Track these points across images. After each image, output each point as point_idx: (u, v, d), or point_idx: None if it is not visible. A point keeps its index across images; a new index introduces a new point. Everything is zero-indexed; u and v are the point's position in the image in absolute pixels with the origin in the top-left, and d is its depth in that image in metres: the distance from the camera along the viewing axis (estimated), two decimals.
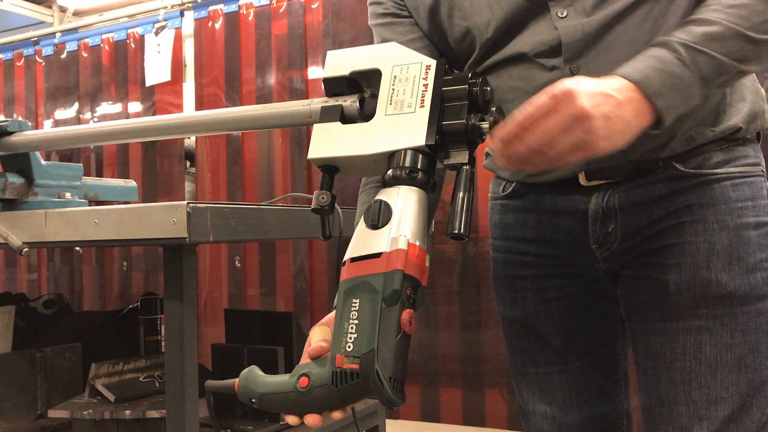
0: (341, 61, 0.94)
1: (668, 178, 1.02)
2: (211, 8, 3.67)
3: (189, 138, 3.76)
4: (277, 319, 2.03)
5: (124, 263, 3.87)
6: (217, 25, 3.65)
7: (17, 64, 4.33)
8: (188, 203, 1.22)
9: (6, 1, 4.18)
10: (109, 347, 2.15)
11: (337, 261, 0.91)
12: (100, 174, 3.96)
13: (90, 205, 1.60)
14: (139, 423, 1.72)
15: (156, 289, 3.47)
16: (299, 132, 3.39)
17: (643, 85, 0.85)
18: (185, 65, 3.84)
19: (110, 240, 1.30)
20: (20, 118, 1.51)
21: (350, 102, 0.94)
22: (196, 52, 3.72)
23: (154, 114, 3.76)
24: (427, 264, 0.84)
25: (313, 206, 0.92)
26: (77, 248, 3.56)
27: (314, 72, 3.42)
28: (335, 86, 0.95)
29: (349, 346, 0.80)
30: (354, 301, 0.81)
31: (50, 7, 4.42)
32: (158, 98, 3.82)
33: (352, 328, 0.80)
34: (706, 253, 0.99)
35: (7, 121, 1.42)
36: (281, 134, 3.46)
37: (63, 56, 4.13)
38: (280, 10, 3.49)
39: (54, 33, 4.16)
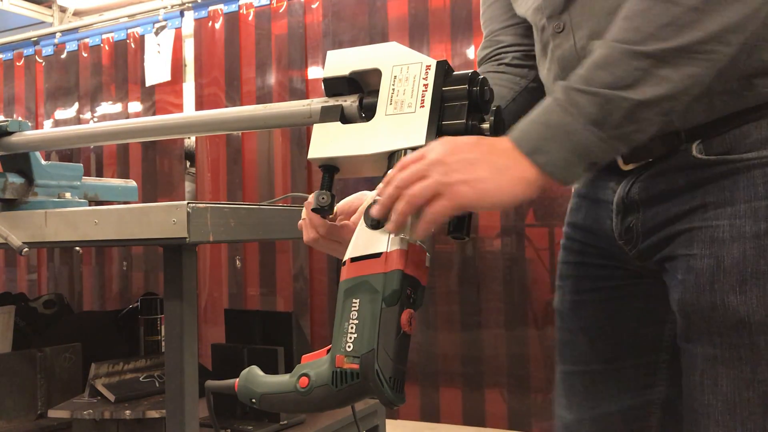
0: (341, 61, 0.94)
1: (687, 166, 0.86)
2: (211, 8, 3.66)
3: (189, 138, 3.76)
4: (277, 319, 2.03)
5: (124, 263, 3.87)
6: (217, 25, 3.65)
7: (17, 64, 4.32)
8: (188, 203, 1.22)
9: (6, 1, 4.18)
10: (109, 347, 2.15)
11: (337, 261, 0.91)
12: (100, 174, 3.95)
13: (90, 205, 1.60)
14: (139, 423, 1.72)
15: (156, 289, 3.47)
16: (299, 132, 3.39)
17: (519, 143, 0.77)
18: (185, 65, 3.84)
19: (110, 240, 1.30)
20: (20, 118, 1.51)
21: (350, 102, 0.94)
22: (196, 52, 3.72)
23: (154, 114, 3.76)
24: (427, 264, 0.85)
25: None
26: (77, 248, 3.56)
27: (314, 72, 3.42)
28: (335, 86, 0.95)
29: (349, 346, 0.80)
30: (354, 301, 0.81)
31: (50, 7, 4.41)
32: (158, 98, 3.82)
33: (352, 328, 0.81)
34: (710, 271, 0.83)
35: (7, 121, 1.42)
36: (281, 134, 3.46)
37: (63, 56, 4.13)
38: (280, 10, 3.49)
39: (54, 33, 4.16)
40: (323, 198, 0.91)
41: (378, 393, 0.79)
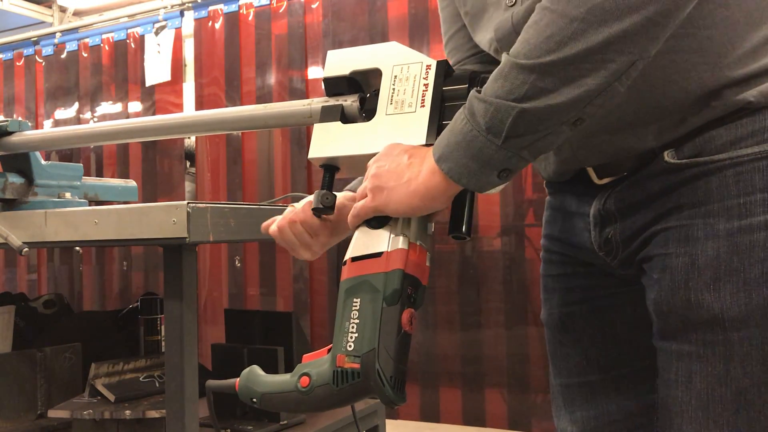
0: (341, 61, 0.94)
1: (660, 172, 0.86)
2: (211, 8, 3.66)
3: (189, 138, 3.75)
4: (277, 319, 2.03)
5: (124, 263, 3.87)
6: (217, 25, 3.65)
7: (17, 64, 4.32)
8: (188, 203, 1.22)
9: (6, 1, 4.18)
10: (109, 347, 2.15)
11: (338, 261, 0.91)
12: (100, 174, 3.95)
13: (90, 205, 1.60)
14: (139, 423, 1.72)
15: (156, 289, 3.47)
16: (299, 132, 3.39)
17: (434, 150, 0.82)
18: (185, 65, 3.84)
19: (110, 240, 1.30)
20: (20, 118, 1.52)
21: (351, 102, 0.94)
22: (196, 52, 3.72)
23: (154, 114, 3.76)
24: (428, 263, 0.85)
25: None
26: (77, 248, 3.56)
27: (314, 72, 3.42)
28: (336, 86, 0.95)
29: (350, 346, 0.80)
30: (355, 300, 0.81)
31: (50, 7, 4.41)
32: (158, 98, 3.82)
33: (353, 327, 0.81)
34: (685, 270, 0.83)
35: (7, 121, 1.42)
36: (281, 134, 3.46)
37: (63, 56, 4.13)
38: (280, 10, 3.48)
39: (54, 33, 4.16)
40: (327, 198, 0.91)
41: (379, 392, 0.79)
